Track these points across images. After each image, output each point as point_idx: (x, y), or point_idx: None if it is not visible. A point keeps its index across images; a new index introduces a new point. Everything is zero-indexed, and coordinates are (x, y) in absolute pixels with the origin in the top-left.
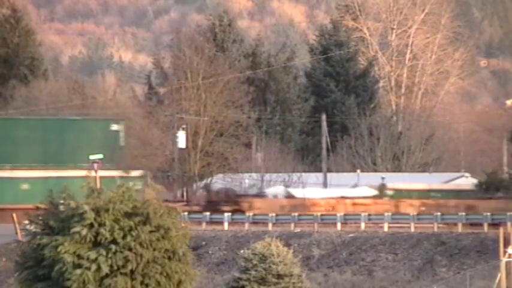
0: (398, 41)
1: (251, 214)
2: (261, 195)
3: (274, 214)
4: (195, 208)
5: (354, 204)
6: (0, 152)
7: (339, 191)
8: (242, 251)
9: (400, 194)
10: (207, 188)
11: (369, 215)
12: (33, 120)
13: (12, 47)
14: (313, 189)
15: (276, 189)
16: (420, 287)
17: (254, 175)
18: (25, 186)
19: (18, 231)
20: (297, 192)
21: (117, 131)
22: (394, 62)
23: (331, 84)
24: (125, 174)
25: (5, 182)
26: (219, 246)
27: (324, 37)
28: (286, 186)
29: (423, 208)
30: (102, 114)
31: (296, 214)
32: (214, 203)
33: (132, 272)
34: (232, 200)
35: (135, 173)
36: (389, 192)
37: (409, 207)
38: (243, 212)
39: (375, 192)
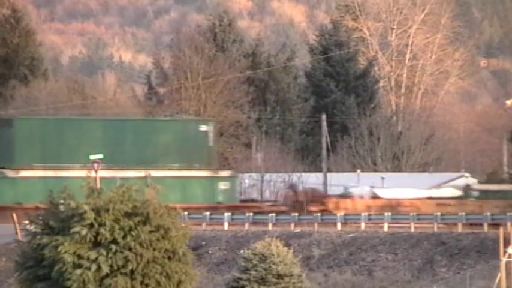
0: (398, 41)
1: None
2: (347, 195)
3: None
4: (282, 208)
5: (439, 205)
6: (102, 152)
7: (425, 192)
8: (242, 251)
9: (486, 195)
10: (293, 188)
11: (369, 214)
12: (127, 121)
13: (12, 47)
14: (399, 189)
15: (361, 190)
16: (420, 287)
17: (254, 175)
18: None
19: (18, 231)
20: (383, 192)
21: (206, 132)
22: (394, 62)
23: (331, 84)
24: (214, 175)
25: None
26: (219, 246)
27: (324, 37)
28: (372, 186)
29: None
30: (103, 114)
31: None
32: (301, 203)
33: (132, 272)
34: (319, 200)
35: (224, 173)
36: (475, 193)
37: (495, 209)
38: (329, 212)
39: (460, 193)
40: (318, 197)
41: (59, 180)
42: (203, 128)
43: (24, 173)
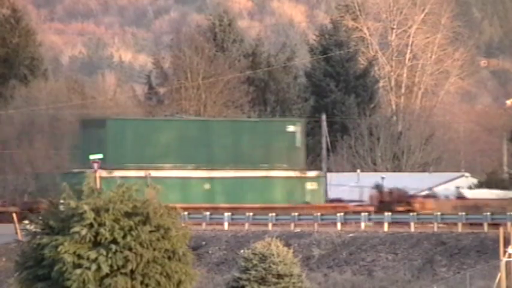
0: (398, 41)
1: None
2: (432, 195)
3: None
4: (369, 209)
5: None
6: (192, 153)
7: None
8: (242, 251)
9: None
10: (379, 188)
11: (369, 214)
12: (217, 122)
13: (12, 47)
14: (484, 190)
15: (447, 190)
16: (420, 287)
17: None
18: (207, 186)
19: (18, 231)
20: (468, 192)
21: (293, 132)
22: (394, 62)
23: (331, 84)
24: (302, 175)
25: (191, 181)
26: (219, 246)
27: (324, 37)
28: (458, 186)
29: None
30: (102, 114)
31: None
32: (387, 204)
33: (132, 271)
34: (405, 201)
35: (311, 174)
36: None
37: None
38: (415, 212)
39: None
40: (404, 197)
41: (152, 180)
42: (290, 128)
43: (116, 173)
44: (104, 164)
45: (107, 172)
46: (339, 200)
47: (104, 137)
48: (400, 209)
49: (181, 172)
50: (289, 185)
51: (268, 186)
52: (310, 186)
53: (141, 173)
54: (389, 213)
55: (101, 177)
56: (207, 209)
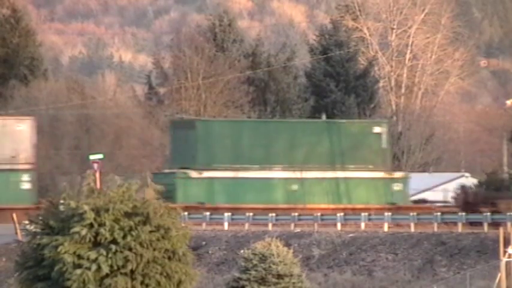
0: (398, 41)
1: (251, 214)
2: None
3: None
4: (454, 209)
5: None
6: (279, 153)
7: None
8: (242, 251)
9: None
10: (464, 189)
11: (369, 214)
12: (304, 123)
13: (12, 47)
14: None
15: None
16: (420, 287)
17: None
18: (294, 187)
19: (18, 231)
20: None
21: (379, 134)
22: (394, 62)
23: (331, 84)
24: (388, 176)
25: (275, 182)
26: (219, 246)
27: (324, 37)
28: None
29: None
30: (103, 114)
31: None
32: (472, 204)
33: (132, 272)
34: (490, 202)
35: (397, 174)
36: None
37: None
38: (500, 213)
39: None
40: (489, 199)
41: (240, 181)
42: (377, 129)
43: (206, 174)
44: (193, 165)
45: (197, 173)
46: (424, 201)
47: (193, 138)
48: (485, 210)
49: (267, 173)
50: (375, 186)
51: (353, 187)
52: (396, 187)
53: (230, 174)
54: (389, 213)
55: (192, 178)
56: (294, 209)
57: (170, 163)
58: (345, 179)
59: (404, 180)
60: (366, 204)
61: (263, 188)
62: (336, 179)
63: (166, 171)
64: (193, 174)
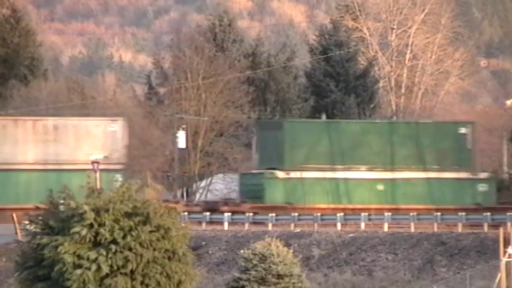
0: (398, 41)
1: (251, 214)
2: None
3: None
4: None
5: None
6: (365, 154)
7: None
8: (242, 251)
9: None
10: None
11: (369, 214)
12: (394, 124)
13: (12, 47)
14: None
15: None
16: (420, 287)
17: None
18: (380, 187)
19: (18, 231)
20: None
21: (464, 134)
22: (394, 62)
23: (331, 84)
24: (473, 176)
25: (361, 182)
26: (219, 246)
27: (324, 37)
28: None
29: None
30: (102, 114)
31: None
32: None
33: (132, 272)
34: None
35: (483, 175)
36: None
37: None
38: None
39: None
40: None
41: (329, 181)
42: (462, 130)
43: (293, 174)
44: (281, 166)
45: (285, 173)
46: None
47: (280, 138)
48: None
49: (355, 173)
50: (460, 186)
51: (438, 187)
52: (481, 188)
53: (317, 174)
54: (389, 213)
55: (279, 178)
56: (388, 210)
57: (257, 164)
58: (432, 179)
59: (490, 181)
60: (449, 205)
61: (349, 188)
62: (428, 179)
63: (254, 171)
64: (281, 174)
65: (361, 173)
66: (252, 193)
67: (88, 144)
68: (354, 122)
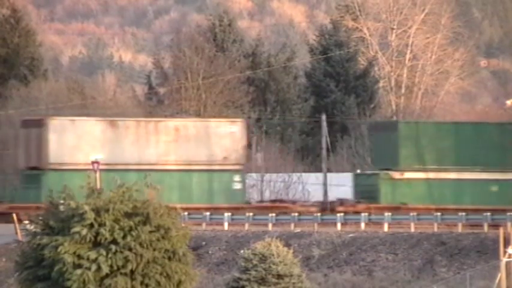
0: (398, 41)
1: (251, 214)
2: None
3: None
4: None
5: None
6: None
7: None
8: (242, 251)
9: None
10: None
11: (369, 214)
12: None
13: (12, 47)
14: None
15: None
16: (420, 287)
17: (254, 175)
18: (494, 188)
19: (18, 231)
20: None
21: None
22: (394, 62)
23: (331, 85)
24: None
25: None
26: (219, 246)
27: (324, 37)
28: None
29: None
30: (103, 115)
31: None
32: None
33: (132, 272)
34: None
35: None
36: None
37: None
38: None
39: None
40: None
41: (441, 182)
42: None
43: (407, 175)
44: (395, 166)
45: (399, 174)
46: None
47: (396, 139)
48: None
49: (468, 174)
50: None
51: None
52: None
53: (431, 175)
54: (389, 214)
55: (394, 179)
56: (488, 210)
57: (372, 164)
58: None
59: None
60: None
61: (463, 189)
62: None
63: (369, 172)
64: (396, 175)
65: (476, 174)
66: (367, 193)
67: (208, 145)
68: (473, 124)
